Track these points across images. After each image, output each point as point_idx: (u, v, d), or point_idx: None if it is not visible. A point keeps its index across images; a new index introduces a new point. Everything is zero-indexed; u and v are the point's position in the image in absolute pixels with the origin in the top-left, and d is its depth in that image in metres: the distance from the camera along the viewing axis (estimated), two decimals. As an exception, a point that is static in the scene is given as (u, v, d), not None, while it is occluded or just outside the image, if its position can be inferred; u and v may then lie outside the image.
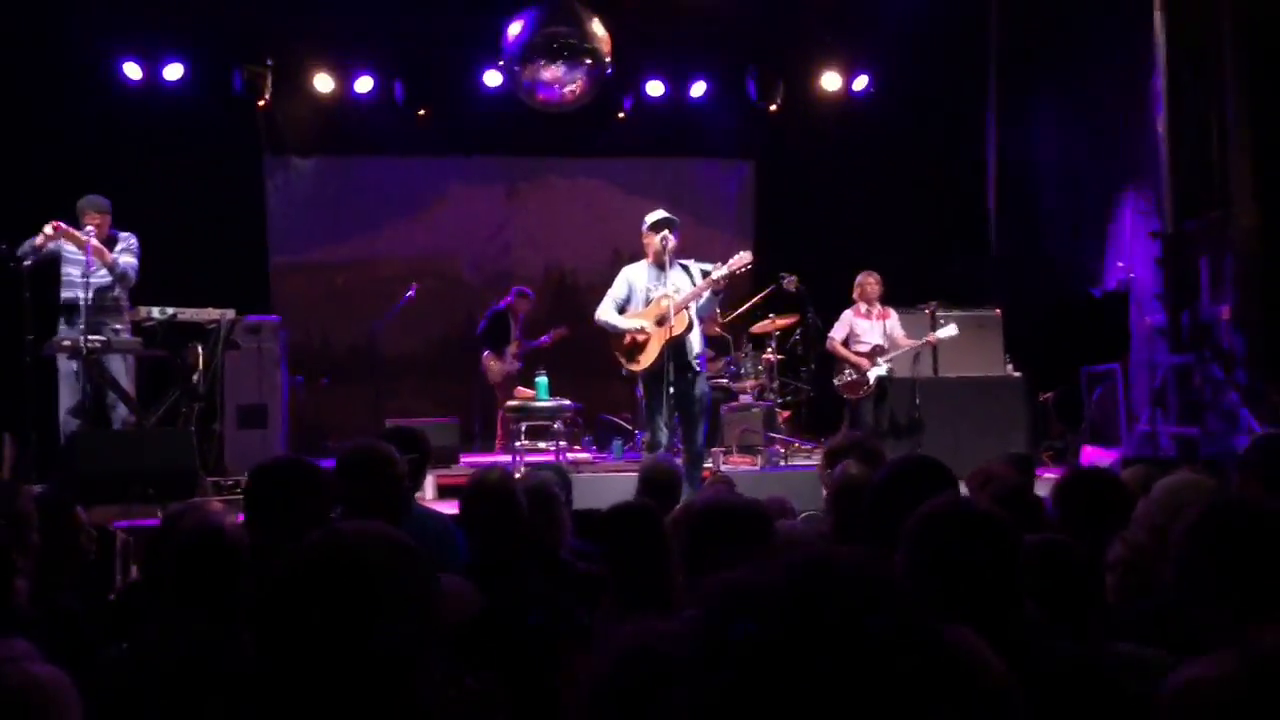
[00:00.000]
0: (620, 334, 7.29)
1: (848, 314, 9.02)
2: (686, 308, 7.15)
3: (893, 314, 9.00)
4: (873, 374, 8.70)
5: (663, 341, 7.06)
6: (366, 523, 1.70)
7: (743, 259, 7.24)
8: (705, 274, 7.25)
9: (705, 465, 7.64)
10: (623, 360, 7.36)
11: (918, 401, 8.69)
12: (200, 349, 7.77)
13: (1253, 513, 2.03)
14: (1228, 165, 8.77)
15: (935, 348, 8.93)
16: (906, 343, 8.79)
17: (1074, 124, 10.77)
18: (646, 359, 7.20)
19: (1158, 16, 9.22)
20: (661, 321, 7.09)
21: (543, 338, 10.86)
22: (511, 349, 10.84)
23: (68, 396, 7.48)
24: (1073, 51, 10.66)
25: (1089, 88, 10.49)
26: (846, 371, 8.85)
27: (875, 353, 8.77)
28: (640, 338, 7.22)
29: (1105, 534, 3.08)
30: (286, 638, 1.55)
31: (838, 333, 8.98)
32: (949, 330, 8.77)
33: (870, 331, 8.90)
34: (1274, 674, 1.65)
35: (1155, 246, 9.44)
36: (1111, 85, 10.14)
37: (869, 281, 8.95)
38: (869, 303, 8.95)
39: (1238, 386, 8.73)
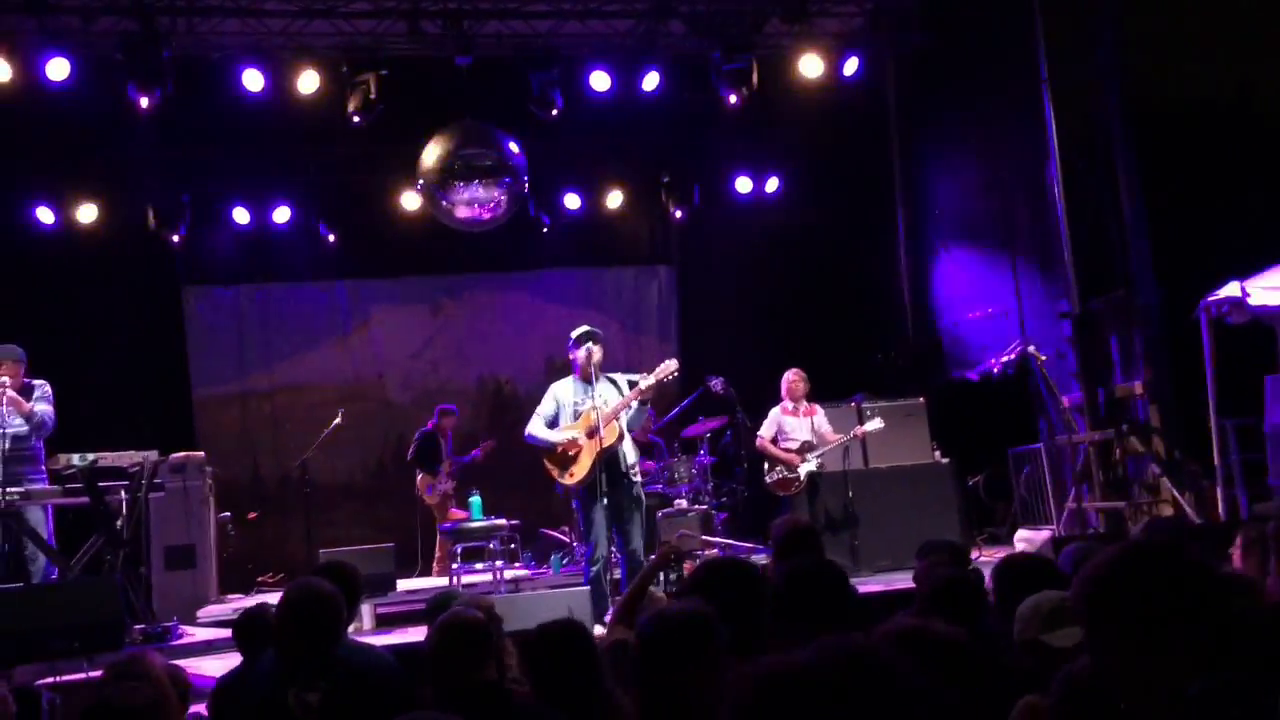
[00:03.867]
0: (552, 447, 7.29)
1: (775, 412, 9.10)
2: (616, 418, 7.18)
3: (819, 410, 9.10)
4: (803, 470, 8.77)
5: (594, 453, 7.06)
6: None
7: (668, 367, 7.31)
8: (633, 385, 7.30)
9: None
10: (556, 472, 7.33)
11: (851, 494, 8.77)
12: (123, 493, 7.62)
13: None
14: (1126, 245, 9.12)
15: (864, 439, 9.05)
16: (834, 438, 8.89)
17: (977, 211, 11.12)
18: (580, 471, 7.19)
19: (1048, 106, 9.67)
20: (592, 434, 7.10)
21: (474, 452, 10.79)
22: (444, 468, 10.76)
23: (-17, 552, 7.26)
24: (973, 138, 11.07)
25: (991, 173, 10.88)
26: (777, 469, 8.91)
27: (804, 449, 8.84)
28: (572, 450, 7.23)
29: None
30: None
31: (766, 431, 9.04)
32: (875, 424, 8.88)
33: (798, 428, 8.98)
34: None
35: (1064, 326, 9.74)
36: (1011, 171, 10.54)
37: (795, 379, 9.05)
38: (796, 400, 9.05)
39: (1157, 458, 8.96)
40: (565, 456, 7.25)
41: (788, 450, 8.88)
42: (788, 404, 9.03)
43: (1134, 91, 9.26)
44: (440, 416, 10.95)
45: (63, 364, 8.37)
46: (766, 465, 9.02)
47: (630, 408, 7.22)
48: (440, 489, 10.72)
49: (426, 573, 10.75)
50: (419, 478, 10.80)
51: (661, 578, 4.35)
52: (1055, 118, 9.63)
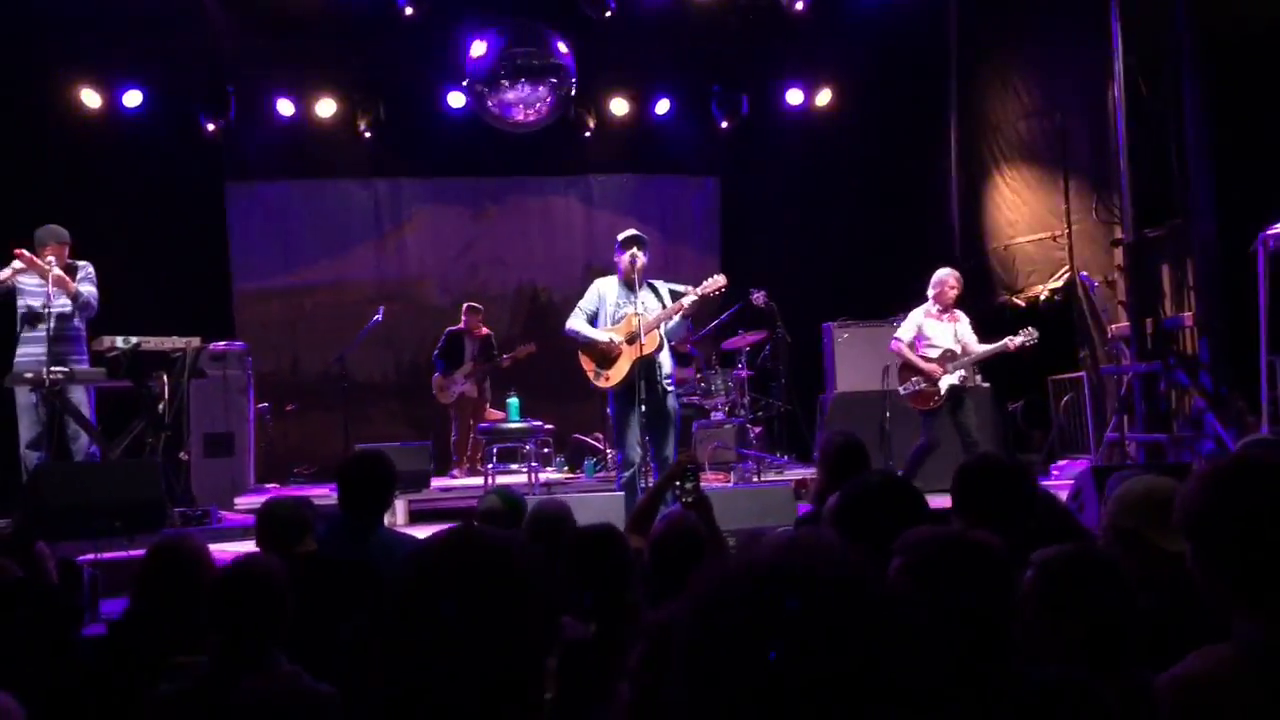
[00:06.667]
0: (591, 343, 7.22)
1: (917, 313, 8.14)
2: (658, 328, 7.10)
3: (963, 317, 8.16)
4: (944, 382, 7.86)
5: (633, 359, 7.02)
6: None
7: (716, 282, 7.19)
8: (675, 295, 7.20)
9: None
10: (593, 368, 7.22)
11: (888, 414, 8.68)
12: (165, 378, 7.68)
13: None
14: (1187, 174, 8.85)
15: (1019, 351, 7.96)
16: (979, 348, 7.97)
17: (1033, 132, 10.83)
18: (617, 374, 7.14)
19: (1116, 28, 9.33)
20: (632, 339, 7.05)
21: (503, 358, 10.72)
22: (464, 369, 10.73)
23: (26, 429, 7.36)
24: (1033, 58, 10.75)
25: (1049, 94, 10.58)
26: (914, 380, 7.97)
27: (945, 358, 7.91)
28: (611, 352, 7.15)
29: (1006, 523, 2.86)
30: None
31: (905, 334, 8.08)
32: (1030, 334, 7.93)
33: (942, 335, 8.03)
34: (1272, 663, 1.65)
35: (1116, 253, 9.53)
36: (1071, 94, 10.24)
37: (954, 282, 8.03)
38: (945, 305, 8.06)
39: (1202, 392, 8.81)
40: (603, 356, 7.17)
41: (927, 359, 7.99)
42: (933, 307, 8.10)
43: (1206, 13, 8.89)
44: (468, 314, 10.92)
45: (105, 249, 8.38)
46: (900, 374, 8.14)
47: (672, 319, 7.14)
48: (456, 389, 10.69)
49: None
50: (435, 376, 10.82)
51: (678, 487, 4.30)
52: (1122, 38, 9.29)
